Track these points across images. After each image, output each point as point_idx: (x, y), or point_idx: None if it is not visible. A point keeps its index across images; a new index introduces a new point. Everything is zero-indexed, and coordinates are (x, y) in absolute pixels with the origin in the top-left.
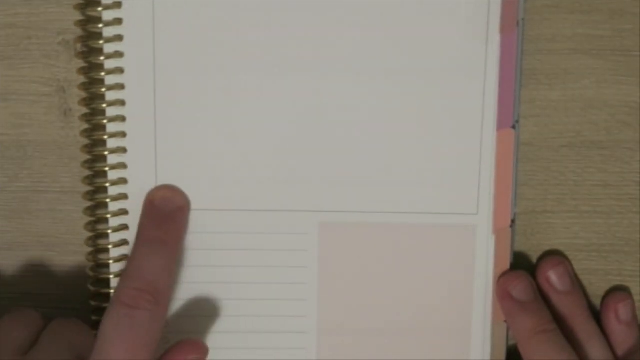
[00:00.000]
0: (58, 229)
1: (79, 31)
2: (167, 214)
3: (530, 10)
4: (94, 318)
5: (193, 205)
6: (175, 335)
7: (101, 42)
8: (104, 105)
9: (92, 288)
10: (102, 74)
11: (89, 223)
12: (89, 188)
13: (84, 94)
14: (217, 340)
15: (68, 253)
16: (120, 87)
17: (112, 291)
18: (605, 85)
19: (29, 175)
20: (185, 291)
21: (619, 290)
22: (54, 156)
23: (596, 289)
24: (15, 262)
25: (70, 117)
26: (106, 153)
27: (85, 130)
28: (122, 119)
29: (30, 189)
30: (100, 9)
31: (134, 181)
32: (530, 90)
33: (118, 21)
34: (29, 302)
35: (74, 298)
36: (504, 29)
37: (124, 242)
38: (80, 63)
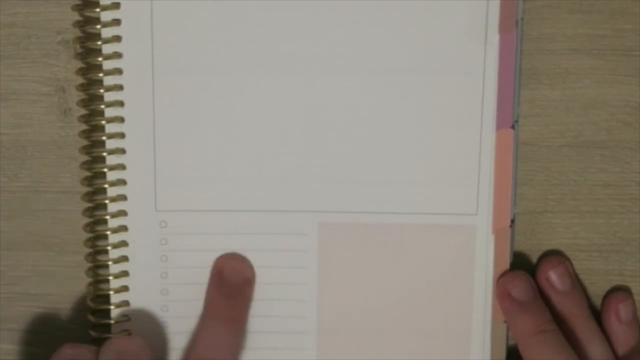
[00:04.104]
0: (58, 229)
1: (77, 31)
2: (235, 286)
3: (530, 10)
4: (91, 318)
5: (192, 207)
6: (176, 335)
7: (99, 42)
8: (103, 106)
9: (91, 288)
10: (101, 74)
11: (88, 224)
12: (87, 189)
13: (82, 95)
14: None
15: (68, 253)
16: (119, 87)
17: (111, 292)
18: (605, 85)
19: (28, 175)
20: (186, 292)
21: (620, 290)
22: (54, 156)
23: (596, 289)
24: (15, 262)
25: (70, 116)
26: (105, 154)
27: (84, 131)
28: (121, 119)
29: (30, 189)
30: (98, 9)
31: (133, 182)
32: (530, 90)
33: (116, 22)
34: (29, 302)
35: (74, 298)
36: (502, 29)
37: (122, 244)
38: (79, 64)
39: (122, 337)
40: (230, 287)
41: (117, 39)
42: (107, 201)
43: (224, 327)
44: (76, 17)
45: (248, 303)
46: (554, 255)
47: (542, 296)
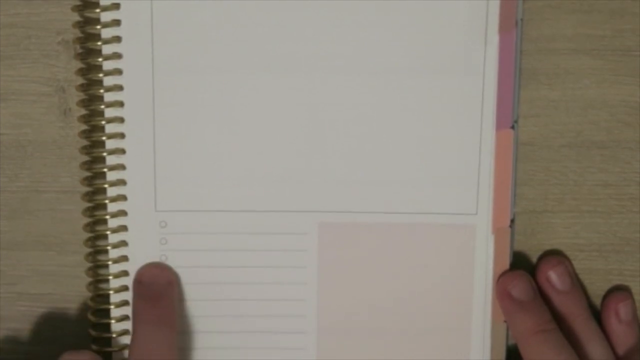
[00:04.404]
0: (58, 229)
1: (77, 32)
2: (157, 291)
3: (530, 10)
4: (92, 318)
5: (192, 207)
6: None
7: (99, 43)
8: (103, 107)
9: (92, 288)
10: (101, 75)
11: (88, 224)
12: (87, 189)
13: (82, 95)
14: (216, 340)
15: (68, 253)
16: (119, 88)
17: (110, 292)
18: (605, 85)
19: (28, 175)
20: (186, 292)
21: (620, 290)
22: (54, 156)
23: (596, 288)
24: (15, 262)
25: (70, 116)
26: (105, 154)
27: (84, 132)
28: (121, 120)
29: (30, 189)
30: (98, 10)
31: (133, 182)
32: (530, 90)
33: (116, 22)
34: (28, 302)
35: (74, 298)
36: (502, 29)
37: (122, 244)
38: (79, 64)
39: (72, 352)
40: (152, 292)
41: (117, 39)
42: (107, 201)
43: (152, 328)
44: (76, 17)
45: (173, 303)
46: (554, 254)
47: (542, 296)
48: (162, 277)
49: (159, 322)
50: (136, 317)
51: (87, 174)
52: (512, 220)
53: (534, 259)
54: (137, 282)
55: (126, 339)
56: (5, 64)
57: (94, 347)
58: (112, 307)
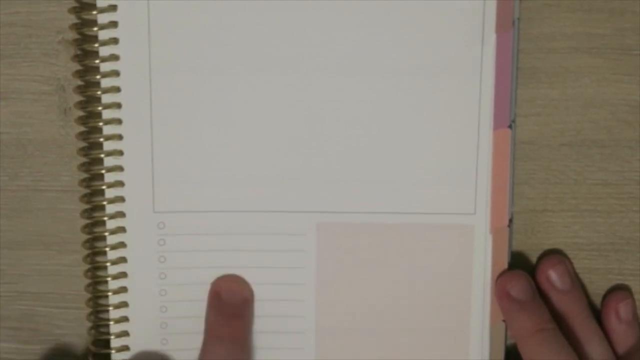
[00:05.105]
0: (58, 228)
1: (75, 34)
2: (234, 307)
3: (530, 9)
4: (90, 317)
5: (190, 208)
6: (174, 335)
7: (96, 45)
8: (100, 108)
9: (89, 290)
10: (98, 77)
11: (86, 225)
12: (86, 190)
13: (80, 97)
14: None
15: (68, 252)
16: (116, 89)
17: (109, 294)
18: (605, 83)
19: (29, 173)
20: (185, 293)
21: (620, 289)
22: (54, 155)
23: (596, 287)
24: (15, 261)
25: (70, 115)
26: (102, 156)
27: (82, 133)
28: (118, 121)
29: (31, 188)
30: (95, 12)
31: (131, 184)
32: (530, 89)
33: (113, 24)
34: (28, 302)
35: (74, 297)
36: (499, 29)
37: (121, 245)
38: (77, 66)
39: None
40: (229, 308)
41: (114, 41)
42: (105, 203)
43: (227, 349)
44: (73, 19)
45: (249, 323)
46: (554, 254)
47: (542, 295)
48: (239, 294)
49: (232, 341)
50: (210, 332)
51: (85, 175)
52: (510, 220)
53: (534, 259)
54: (215, 294)
55: (124, 341)
56: (6, 62)
57: (93, 348)
58: (110, 308)
